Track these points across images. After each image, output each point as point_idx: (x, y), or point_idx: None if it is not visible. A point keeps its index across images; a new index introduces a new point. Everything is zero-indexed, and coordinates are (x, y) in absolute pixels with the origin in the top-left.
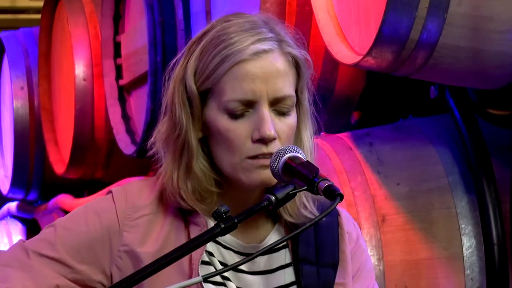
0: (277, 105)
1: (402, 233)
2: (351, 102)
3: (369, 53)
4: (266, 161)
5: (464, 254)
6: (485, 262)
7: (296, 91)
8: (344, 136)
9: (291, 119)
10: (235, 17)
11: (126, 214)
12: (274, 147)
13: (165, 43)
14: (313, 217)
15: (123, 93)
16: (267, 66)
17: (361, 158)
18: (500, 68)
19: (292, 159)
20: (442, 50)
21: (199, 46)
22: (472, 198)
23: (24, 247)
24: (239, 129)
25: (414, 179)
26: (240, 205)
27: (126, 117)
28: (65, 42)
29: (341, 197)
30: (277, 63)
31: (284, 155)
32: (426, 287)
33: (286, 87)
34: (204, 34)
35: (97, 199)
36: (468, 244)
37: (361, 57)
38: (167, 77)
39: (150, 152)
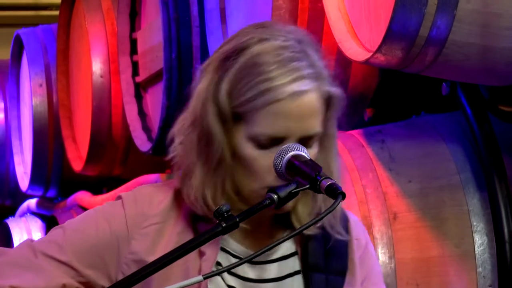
0: (303, 140)
1: (413, 230)
2: (365, 99)
3: (378, 50)
4: None
5: (476, 252)
6: (497, 259)
7: (324, 120)
8: (356, 133)
9: (314, 150)
10: (269, 34)
11: (136, 221)
12: None
13: (180, 40)
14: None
15: (140, 90)
16: (304, 106)
17: (373, 155)
18: (510, 64)
19: (296, 157)
20: (451, 47)
21: (234, 66)
22: (484, 195)
23: (32, 246)
24: (263, 160)
25: (425, 176)
26: (254, 221)
27: (142, 114)
28: (82, 39)
29: (343, 195)
30: (314, 102)
31: (288, 153)
32: (437, 284)
33: (317, 125)
34: (240, 52)
35: (106, 204)
36: (480, 241)
37: (371, 54)
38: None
39: (170, 156)
